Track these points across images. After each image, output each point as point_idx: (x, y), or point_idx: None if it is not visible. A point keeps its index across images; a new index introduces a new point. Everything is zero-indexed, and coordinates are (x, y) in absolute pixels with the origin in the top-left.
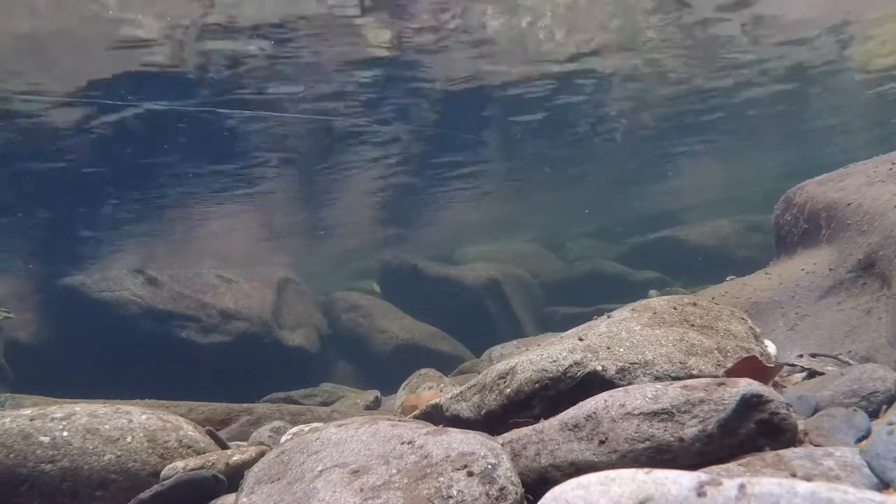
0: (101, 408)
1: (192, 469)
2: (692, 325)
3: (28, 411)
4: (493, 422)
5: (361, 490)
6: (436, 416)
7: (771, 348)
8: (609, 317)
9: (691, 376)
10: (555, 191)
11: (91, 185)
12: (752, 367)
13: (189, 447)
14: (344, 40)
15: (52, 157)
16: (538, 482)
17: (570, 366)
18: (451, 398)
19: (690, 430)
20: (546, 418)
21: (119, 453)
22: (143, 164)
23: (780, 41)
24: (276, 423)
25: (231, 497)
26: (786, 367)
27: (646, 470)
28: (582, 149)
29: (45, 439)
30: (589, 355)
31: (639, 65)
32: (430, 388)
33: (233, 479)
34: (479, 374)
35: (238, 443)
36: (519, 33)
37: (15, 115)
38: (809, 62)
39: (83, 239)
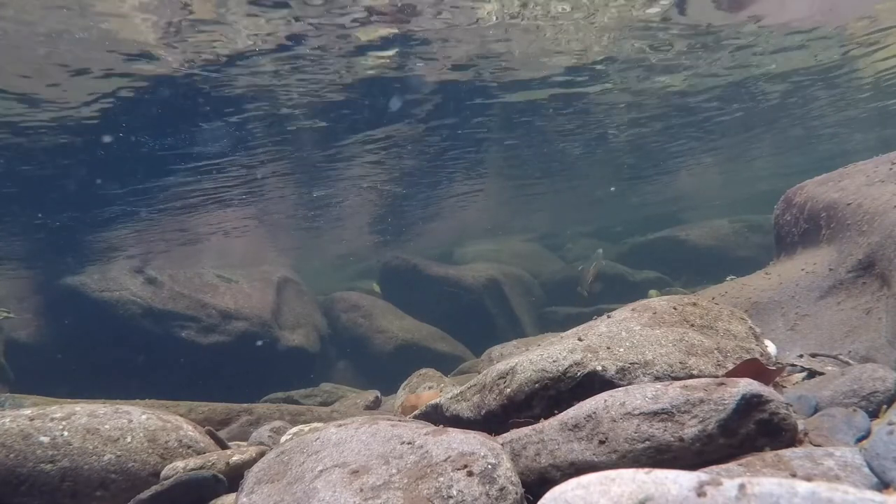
0: (101, 408)
1: (192, 469)
2: (692, 325)
3: (28, 411)
4: (493, 422)
5: (361, 490)
6: (436, 416)
7: (771, 348)
8: (609, 317)
9: (691, 376)
10: (557, 190)
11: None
12: (754, 369)
13: (189, 447)
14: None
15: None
16: (538, 482)
17: (570, 366)
18: (451, 398)
19: (690, 430)
20: (546, 418)
21: (119, 453)
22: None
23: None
24: (276, 423)
25: (231, 497)
26: (786, 368)
27: (646, 470)
28: (583, 150)
29: (45, 439)
30: (589, 355)
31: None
32: (430, 388)
33: (233, 479)
34: (479, 374)
35: (238, 443)
36: (524, 35)
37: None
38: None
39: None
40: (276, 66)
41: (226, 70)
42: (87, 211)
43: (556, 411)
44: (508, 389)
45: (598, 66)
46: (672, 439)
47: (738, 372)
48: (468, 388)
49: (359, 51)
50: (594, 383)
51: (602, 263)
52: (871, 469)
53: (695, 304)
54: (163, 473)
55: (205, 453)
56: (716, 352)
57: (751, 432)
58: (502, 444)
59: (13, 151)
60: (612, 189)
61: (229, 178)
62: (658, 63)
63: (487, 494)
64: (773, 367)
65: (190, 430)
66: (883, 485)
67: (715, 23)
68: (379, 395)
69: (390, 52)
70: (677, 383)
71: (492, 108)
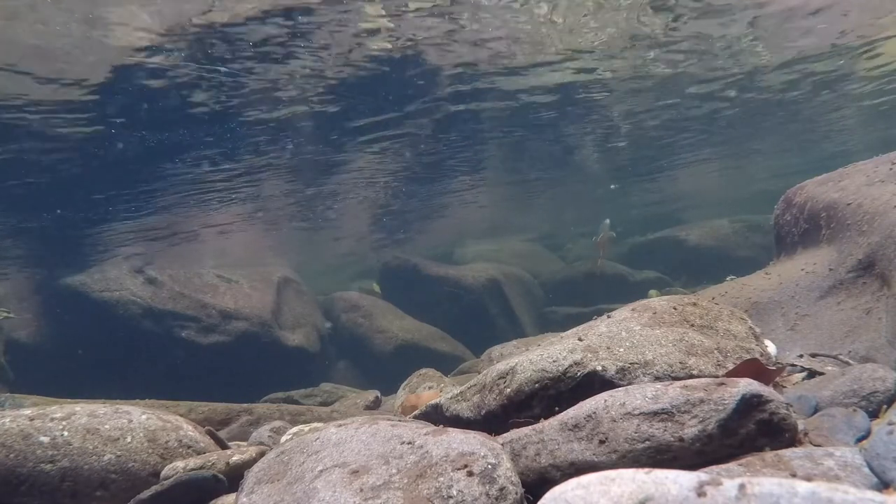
0: (101, 408)
1: (192, 469)
2: (692, 325)
3: (28, 411)
4: (493, 422)
5: (361, 490)
6: (436, 416)
7: (771, 348)
8: (609, 317)
9: (691, 376)
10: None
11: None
12: (754, 369)
13: (189, 447)
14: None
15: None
16: (538, 482)
17: (570, 366)
18: (451, 398)
19: (690, 430)
20: (546, 418)
21: (119, 453)
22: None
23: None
24: (276, 423)
25: (231, 497)
26: (786, 368)
27: (646, 470)
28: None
29: (45, 439)
30: (589, 355)
31: (640, 65)
32: (430, 388)
33: (233, 479)
34: (479, 374)
35: (238, 443)
36: (523, 31)
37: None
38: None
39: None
40: (274, 52)
41: (222, 50)
42: (84, 208)
43: (556, 411)
44: (508, 389)
45: (599, 56)
46: (672, 439)
47: (738, 372)
48: (468, 388)
49: (362, 35)
50: (594, 383)
51: (611, 234)
52: (871, 469)
53: (695, 304)
54: (163, 473)
55: (205, 453)
56: (716, 352)
57: (751, 432)
58: (502, 444)
59: (12, 145)
60: (613, 187)
61: (226, 174)
62: (659, 44)
63: (487, 494)
64: (773, 367)
65: (190, 430)
66: (883, 485)
67: (716, 3)
68: (379, 395)
69: (392, 39)
70: (677, 383)
71: (493, 97)
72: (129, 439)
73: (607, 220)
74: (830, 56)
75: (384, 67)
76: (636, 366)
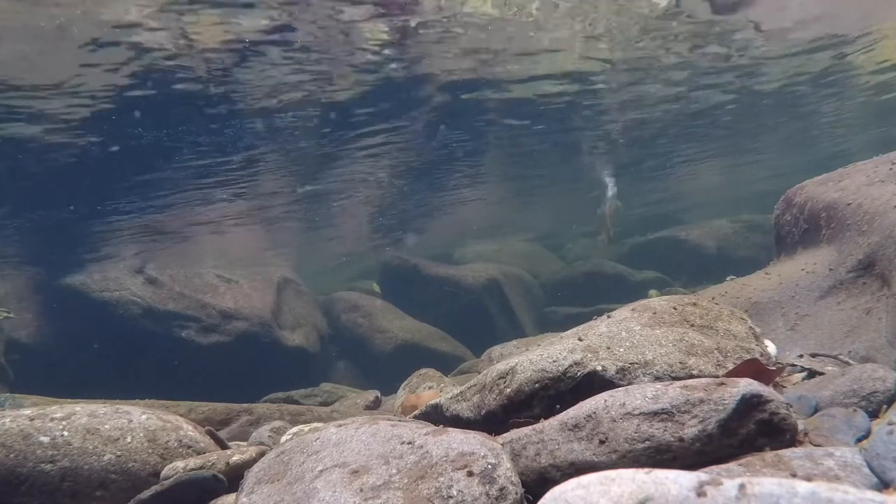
0: (101, 408)
1: (192, 469)
2: (692, 325)
3: (28, 411)
4: (493, 422)
5: (361, 490)
6: (436, 416)
7: (771, 348)
8: (609, 317)
9: (691, 376)
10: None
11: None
12: (754, 369)
13: (189, 447)
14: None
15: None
16: (538, 482)
17: (570, 366)
18: (451, 398)
19: (690, 430)
20: (546, 418)
21: (119, 453)
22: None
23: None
24: (276, 423)
25: (231, 497)
26: (786, 368)
27: (646, 470)
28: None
29: (45, 439)
30: (589, 355)
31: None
32: (430, 388)
33: (233, 479)
34: (479, 374)
35: (238, 443)
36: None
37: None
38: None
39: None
40: (274, 52)
41: (223, 56)
42: (81, 206)
43: (556, 410)
44: (508, 389)
45: (602, 45)
46: (672, 439)
47: (738, 372)
48: (468, 388)
49: (360, 42)
50: (594, 383)
51: (618, 204)
52: (871, 469)
53: (695, 304)
54: (163, 473)
55: (205, 453)
56: (716, 352)
57: (751, 432)
58: (502, 444)
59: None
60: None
61: (223, 170)
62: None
63: (487, 494)
64: (773, 367)
65: (190, 430)
66: (883, 485)
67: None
68: (379, 395)
69: (390, 42)
70: (677, 383)
71: (492, 89)
72: (129, 439)
73: (614, 189)
74: (830, 48)
75: (384, 52)
76: (636, 366)
